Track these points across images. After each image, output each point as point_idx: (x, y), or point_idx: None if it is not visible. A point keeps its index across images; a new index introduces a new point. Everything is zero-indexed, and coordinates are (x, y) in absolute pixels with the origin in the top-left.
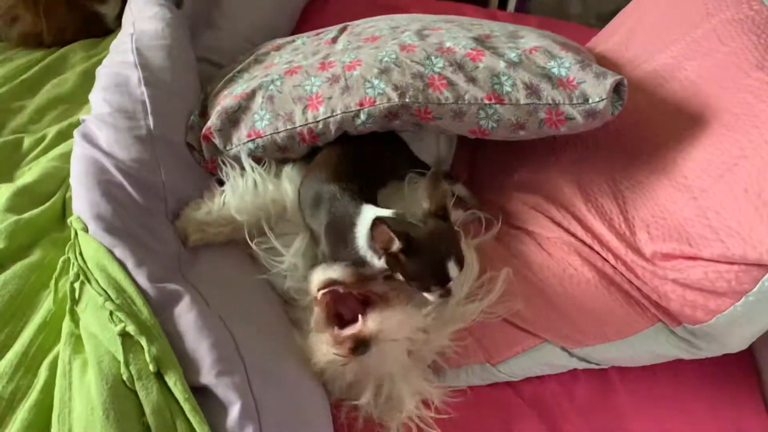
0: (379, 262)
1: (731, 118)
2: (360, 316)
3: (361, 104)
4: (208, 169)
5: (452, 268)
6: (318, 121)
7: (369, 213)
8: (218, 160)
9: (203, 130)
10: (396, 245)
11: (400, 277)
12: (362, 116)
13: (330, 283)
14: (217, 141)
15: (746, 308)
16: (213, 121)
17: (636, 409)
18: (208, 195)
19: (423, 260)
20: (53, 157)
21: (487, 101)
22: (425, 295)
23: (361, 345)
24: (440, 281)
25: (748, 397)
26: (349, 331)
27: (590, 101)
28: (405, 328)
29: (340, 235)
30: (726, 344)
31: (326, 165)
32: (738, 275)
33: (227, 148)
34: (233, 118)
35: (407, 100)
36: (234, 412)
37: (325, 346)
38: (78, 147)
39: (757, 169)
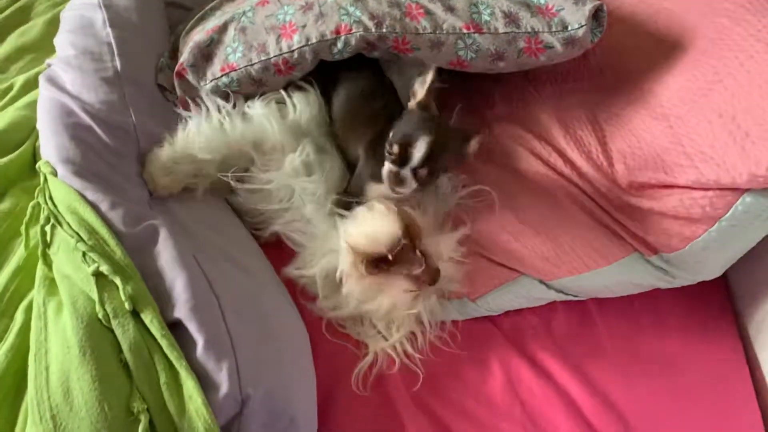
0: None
1: (707, 43)
2: (418, 251)
3: (337, 32)
4: (182, 107)
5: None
6: (293, 51)
7: None
8: (188, 98)
9: (176, 67)
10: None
11: None
12: (339, 44)
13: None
14: (190, 77)
15: (720, 234)
16: (185, 56)
17: (613, 339)
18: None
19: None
20: (21, 105)
21: (465, 30)
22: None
23: (437, 275)
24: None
25: (724, 328)
26: (419, 269)
27: (569, 28)
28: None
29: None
30: (700, 271)
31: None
32: (712, 201)
33: (201, 83)
34: (206, 53)
35: (384, 30)
36: (209, 348)
37: (402, 284)
38: (44, 91)
39: (731, 93)
